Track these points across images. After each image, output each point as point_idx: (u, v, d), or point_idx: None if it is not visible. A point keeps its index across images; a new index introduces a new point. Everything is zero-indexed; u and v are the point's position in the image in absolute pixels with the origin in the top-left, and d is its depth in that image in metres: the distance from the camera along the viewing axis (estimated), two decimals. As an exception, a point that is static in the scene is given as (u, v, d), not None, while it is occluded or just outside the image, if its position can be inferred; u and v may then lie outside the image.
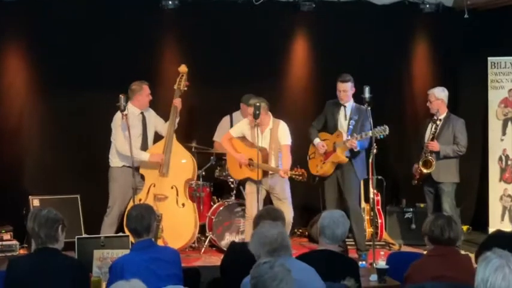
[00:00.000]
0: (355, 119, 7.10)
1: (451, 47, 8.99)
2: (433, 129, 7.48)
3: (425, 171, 7.47)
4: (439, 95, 7.56)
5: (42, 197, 7.67)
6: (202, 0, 8.37)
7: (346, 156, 7.13)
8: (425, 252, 4.68)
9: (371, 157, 7.26)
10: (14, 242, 7.41)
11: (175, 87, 7.43)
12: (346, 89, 7.16)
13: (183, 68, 7.49)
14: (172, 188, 7.25)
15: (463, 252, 5.50)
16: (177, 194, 7.25)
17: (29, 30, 7.95)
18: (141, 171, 7.27)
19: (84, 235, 7.03)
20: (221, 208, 7.55)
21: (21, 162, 8.11)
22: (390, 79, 8.83)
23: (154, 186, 7.24)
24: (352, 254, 7.27)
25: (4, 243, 7.37)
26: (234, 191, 7.81)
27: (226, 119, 8.22)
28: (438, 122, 7.45)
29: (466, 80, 9.04)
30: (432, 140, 7.44)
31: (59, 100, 8.03)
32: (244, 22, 8.44)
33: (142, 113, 7.35)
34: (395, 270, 4.98)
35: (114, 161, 7.24)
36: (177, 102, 7.36)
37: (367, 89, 6.65)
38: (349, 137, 7.03)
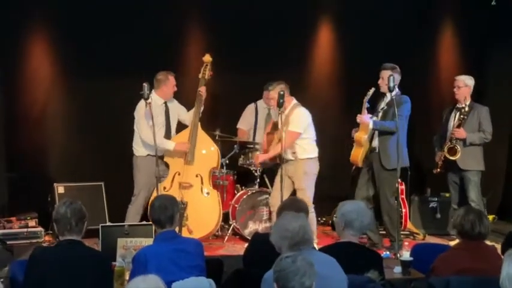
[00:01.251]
0: (391, 106, 6.89)
1: (478, 34, 8.86)
2: (458, 117, 7.40)
3: (451, 158, 7.38)
4: (468, 82, 7.48)
5: (67, 184, 7.75)
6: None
7: (374, 146, 7.02)
8: (451, 244, 4.64)
9: (396, 146, 7.19)
10: (39, 228, 7.45)
11: (200, 76, 7.43)
12: (382, 76, 7.03)
13: (207, 58, 7.47)
14: (197, 176, 7.26)
15: (488, 243, 5.43)
16: (202, 183, 7.27)
17: (54, 17, 7.97)
18: (166, 159, 7.30)
19: (108, 223, 7.08)
20: (244, 196, 7.53)
21: (46, 149, 8.16)
22: (415, 67, 8.71)
23: (179, 174, 7.24)
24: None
25: (29, 230, 7.40)
26: (258, 180, 7.78)
27: (251, 107, 8.21)
28: (465, 110, 7.37)
29: (493, 67, 8.91)
30: (458, 127, 7.36)
31: (83, 87, 8.04)
32: (268, 8, 8.38)
33: (165, 103, 7.35)
34: (419, 261, 4.94)
35: (139, 150, 7.24)
36: (203, 90, 7.36)
37: (391, 78, 6.58)
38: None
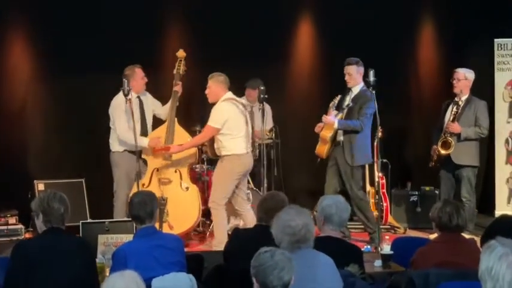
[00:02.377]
0: (356, 102, 6.97)
1: (458, 29, 8.89)
2: (454, 110, 7.37)
3: (443, 152, 7.36)
4: (469, 75, 7.45)
5: (47, 181, 7.70)
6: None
7: (339, 140, 7.03)
8: (431, 238, 4.66)
9: (376, 140, 7.23)
10: (20, 226, 7.43)
11: (175, 72, 7.37)
12: (348, 71, 7.06)
13: (181, 53, 7.41)
14: (176, 171, 7.19)
15: (468, 236, 5.47)
16: (181, 178, 7.21)
17: (31, 13, 7.93)
18: (144, 156, 7.23)
19: (89, 220, 7.05)
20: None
21: (26, 146, 8.13)
22: (396, 61, 8.74)
23: (157, 170, 7.18)
24: (355, 238, 7.31)
25: (9, 227, 7.40)
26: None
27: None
28: (460, 103, 7.36)
29: (473, 61, 8.86)
30: (453, 121, 7.33)
31: (63, 83, 8.02)
32: (250, 4, 8.37)
33: (138, 97, 7.27)
34: (400, 255, 4.97)
35: (115, 145, 7.18)
36: (178, 87, 7.31)
37: (371, 73, 6.53)
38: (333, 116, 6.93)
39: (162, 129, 7.29)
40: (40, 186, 7.65)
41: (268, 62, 8.39)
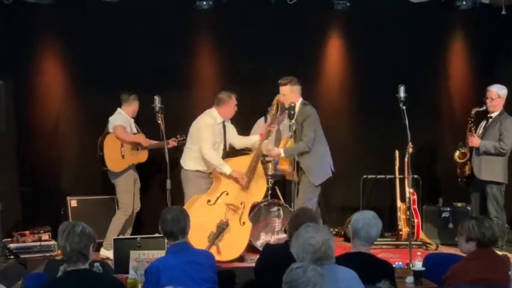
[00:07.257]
0: (298, 122, 6.85)
1: (489, 44, 8.84)
2: (483, 127, 7.43)
3: (458, 160, 7.51)
4: (502, 92, 7.39)
5: (80, 198, 7.82)
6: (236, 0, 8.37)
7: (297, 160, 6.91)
8: (464, 255, 4.63)
9: (407, 156, 7.20)
10: (53, 242, 7.51)
11: (272, 113, 7.30)
12: (282, 92, 7.02)
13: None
14: (241, 203, 7.21)
15: (500, 253, 5.43)
16: (243, 211, 7.23)
17: (65, 32, 8.06)
18: (219, 175, 7.16)
19: (120, 236, 7.11)
20: (257, 208, 7.53)
21: (59, 163, 8.23)
22: (426, 77, 8.72)
23: (227, 194, 7.16)
24: (386, 254, 7.24)
25: (43, 243, 7.49)
26: (270, 191, 7.77)
27: (261, 120, 8.22)
28: (490, 120, 7.39)
29: (504, 77, 8.85)
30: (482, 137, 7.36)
31: (96, 101, 8.11)
32: (278, 22, 8.42)
33: (223, 122, 7.32)
34: (432, 271, 4.93)
35: (189, 164, 7.20)
36: (273, 129, 7.38)
37: (402, 88, 6.48)
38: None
39: (243, 161, 7.26)
40: (73, 202, 7.77)
41: (298, 80, 8.40)
